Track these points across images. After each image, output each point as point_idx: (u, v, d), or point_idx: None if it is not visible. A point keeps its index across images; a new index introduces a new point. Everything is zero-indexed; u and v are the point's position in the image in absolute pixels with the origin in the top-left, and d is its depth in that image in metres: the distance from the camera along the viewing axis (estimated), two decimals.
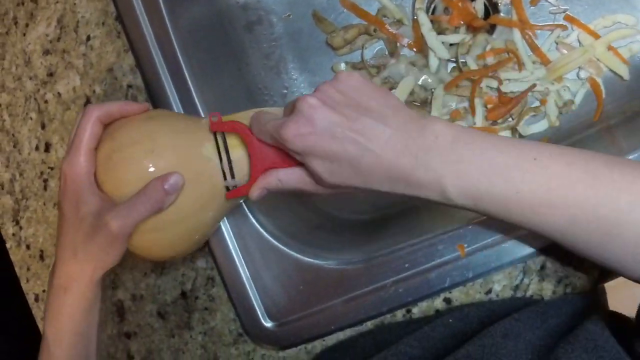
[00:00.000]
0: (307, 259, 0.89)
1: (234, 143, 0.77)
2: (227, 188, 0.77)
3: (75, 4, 0.99)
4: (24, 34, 1.02)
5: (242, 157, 0.77)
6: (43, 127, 1.00)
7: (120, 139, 0.74)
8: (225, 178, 0.77)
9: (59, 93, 0.99)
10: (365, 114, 0.67)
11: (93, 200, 0.72)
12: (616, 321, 0.72)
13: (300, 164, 0.72)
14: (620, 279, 0.70)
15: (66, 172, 0.72)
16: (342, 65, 1.09)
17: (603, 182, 0.62)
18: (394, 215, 1.03)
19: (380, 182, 0.68)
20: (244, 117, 0.77)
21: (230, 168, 0.77)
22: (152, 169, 0.72)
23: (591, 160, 0.64)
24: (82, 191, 0.72)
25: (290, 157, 0.72)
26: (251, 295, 0.90)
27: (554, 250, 0.81)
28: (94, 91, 0.98)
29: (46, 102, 1.00)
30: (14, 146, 1.02)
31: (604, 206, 0.62)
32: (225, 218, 0.89)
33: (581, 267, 0.81)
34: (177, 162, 0.74)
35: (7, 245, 1.03)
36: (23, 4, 1.03)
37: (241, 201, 0.85)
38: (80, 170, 0.72)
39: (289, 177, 0.74)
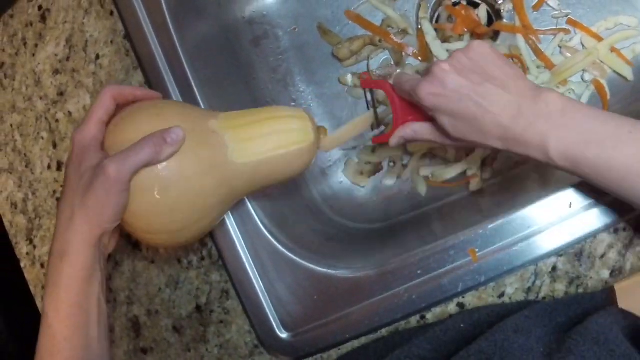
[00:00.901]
0: (320, 269, 0.90)
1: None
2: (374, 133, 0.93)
3: (83, 23, 1.00)
4: (34, 55, 1.04)
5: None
6: (55, 146, 1.01)
7: (130, 110, 0.77)
8: (374, 125, 0.91)
9: (69, 112, 1.00)
10: (489, 80, 0.75)
11: (95, 157, 0.72)
12: (626, 319, 0.73)
13: (431, 119, 0.82)
14: (632, 280, 0.72)
15: (74, 138, 0.75)
16: (349, 77, 1.10)
17: None
18: (405, 223, 1.04)
19: (495, 139, 0.76)
20: (256, 120, 0.81)
21: (376, 117, 0.90)
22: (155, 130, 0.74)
23: None
24: (87, 152, 0.73)
25: (423, 113, 0.83)
26: (266, 306, 0.90)
27: (565, 251, 0.82)
28: None
29: (57, 121, 1.01)
30: (26, 166, 1.03)
31: None
32: (238, 231, 0.90)
33: (592, 268, 0.82)
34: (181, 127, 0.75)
35: (22, 265, 1.04)
36: (32, 24, 1.04)
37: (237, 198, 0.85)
38: (88, 135, 0.75)
39: (422, 129, 0.84)
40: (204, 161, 0.76)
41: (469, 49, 0.77)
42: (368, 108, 0.91)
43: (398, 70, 0.88)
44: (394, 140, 0.86)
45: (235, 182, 0.79)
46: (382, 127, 0.94)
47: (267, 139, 0.79)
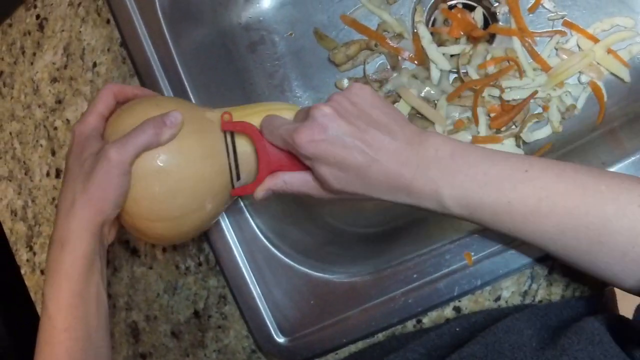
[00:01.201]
0: (316, 273, 0.90)
1: (240, 143, 0.81)
2: (232, 185, 0.81)
3: (80, 31, 1.01)
4: (32, 63, 1.05)
5: (250, 154, 0.81)
6: (53, 153, 1.02)
7: (129, 103, 0.79)
8: (232, 177, 0.81)
9: (67, 120, 1.01)
10: (374, 127, 0.71)
11: (96, 145, 0.73)
12: (624, 326, 0.72)
13: (306, 169, 0.76)
14: None
15: (75, 130, 0.76)
16: (345, 81, 1.10)
17: (590, 192, 0.65)
18: (402, 227, 1.04)
19: (383, 190, 0.72)
20: (253, 112, 0.81)
21: (237, 167, 0.81)
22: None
23: (580, 173, 0.67)
24: (87, 141, 0.74)
25: (296, 161, 0.77)
26: (263, 311, 0.90)
27: None
28: None
29: (55, 129, 1.02)
30: (25, 173, 1.04)
31: (592, 215, 0.65)
32: (235, 237, 0.90)
33: None
34: (183, 127, 0.76)
35: (22, 271, 1.05)
36: (30, 33, 1.05)
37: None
38: (88, 127, 0.75)
39: (295, 180, 0.77)
40: (203, 147, 0.77)
41: (351, 92, 0.74)
42: (228, 156, 0.81)
43: (261, 106, 0.82)
44: (260, 193, 0.79)
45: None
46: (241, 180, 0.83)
47: None
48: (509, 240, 0.82)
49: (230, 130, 0.80)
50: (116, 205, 0.72)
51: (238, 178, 0.81)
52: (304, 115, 0.75)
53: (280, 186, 0.78)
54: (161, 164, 0.73)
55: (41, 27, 1.04)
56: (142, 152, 0.72)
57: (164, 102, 0.78)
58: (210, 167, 0.77)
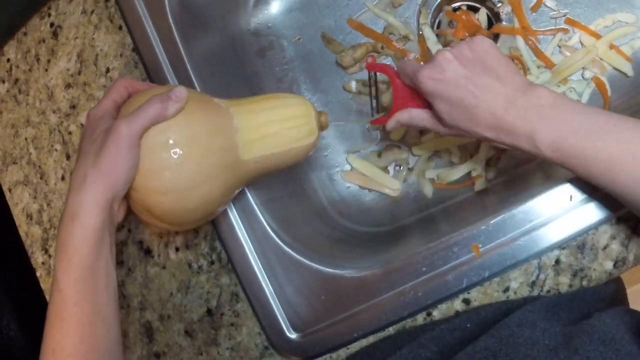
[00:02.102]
0: (327, 269, 0.91)
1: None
2: (372, 116, 1.00)
3: (93, 38, 1.03)
4: (46, 70, 1.07)
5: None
6: (68, 157, 1.04)
7: (141, 92, 0.81)
8: (371, 110, 0.99)
9: (81, 124, 1.03)
10: (487, 72, 0.80)
11: (107, 123, 0.75)
12: (634, 318, 0.73)
13: (429, 107, 0.86)
14: None
15: (89, 115, 0.79)
16: (353, 84, 1.12)
17: None
18: (412, 225, 1.05)
19: (486, 128, 0.80)
20: (261, 102, 0.86)
21: (377, 101, 0.98)
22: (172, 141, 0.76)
23: None
24: (100, 121, 0.76)
25: (422, 101, 0.88)
26: (275, 308, 0.91)
27: (568, 244, 0.83)
28: None
29: (70, 133, 1.04)
30: (41, 177, 1.06)
31: None
32: (246, 234, 0.92)
33: (595, 259, 0.82)
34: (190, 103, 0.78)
35: (37, 274, 1.06)
36: (44, 41, 1.07)
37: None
38: (101, 109, 0.78)
39: (419, 115, 0.89)
40: (210, 122, 0.79)
41: (473, 42, 0.81)
42: (370, 92, 0.96)
43: (405, 58, 0.91)
44: (391, 124, 0.92)
45: (240, 151, 0.81)
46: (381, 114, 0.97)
47: (270, 112, 0.84)
48: (516, 231, 0.83)
49: (373, 71, 0.96)
50: (126, 181, 0.73)
51: (377, 111, 0.98)
52: (432, 57, 0.84)
53: (407, 119, 0.90)
54: (169, 136, 0.75)
55: (55, 35, 1.06)
56: (150, 126, 0.74)
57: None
58: (216, 143, 0.78)
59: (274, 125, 0.83)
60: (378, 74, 1.03)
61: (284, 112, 0.84)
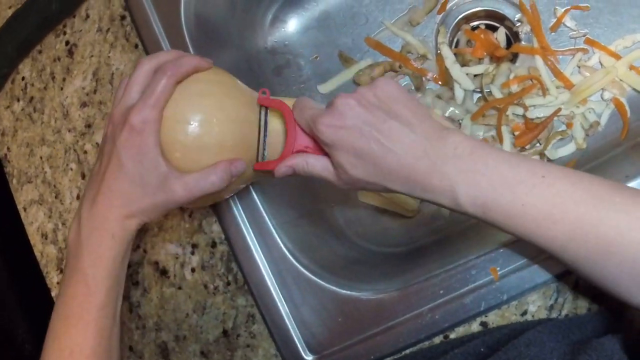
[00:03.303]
0: (343, 291, 0.90)
1: (273, 122, 0.84)
2: (257, 159, 0.84)
3: (109, 56, 1.03)
4: (62, 88, 1.07)
5: (278, 135, 0.84)
6: (83, 177, 1.04)
7: (190, 110, 0.77)
8: (258, 153, 0.84)
9: (97, 143, 1.03)
10: (394, 118, 0.72)
11: (161, 164, 0.74)
12: None
13: (328, 156, 0.78)
14: None
15: (135, 125, 0.73)
16: None
17: (604, 203, 0.65)
18: (427, 246, 1.04)
19: (397, 182, 0.73)
20: (289, 102, 0.83)
21: (264, 143, 0.84)
22: (209, 146, 0.77)
23: (595, 183, 0.67)
24: (149, 151, 0.74)
25: (320, 147, 0.79)
26: (291, 330, 0.90)
27: None
28: None
29: (85, 152, 1.04)
30: (56, 197, 1.06)
31: (603, 225, 0.65)
32: (262, 256, 0.91)
33: None
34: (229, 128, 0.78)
35: (53, 294, 1.06)
36: (59, 59, 1.07)
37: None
38: (150, 128, 0.74)
39: (317, 163, 0.79)
40: (239, 111, 0.80)
41: (375, 86, 0.75)
42: (259, 132, 0.83)
43: (301, 97, 0.83)
44: (281, 169, 0.81)
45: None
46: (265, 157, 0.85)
47: None
48: (535, 254, 0.82)
49: (265, 106, 0.84)
50: (157, 219, 0.82)
51: (264, 154, 0.84)
52: (330, 102, 0.77)
53: (302, 166, 0.79)
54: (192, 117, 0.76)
55: (70, 53, 1.06)
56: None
57: (220, 104, 0.79)
58: (239, 130, 0.80)
59: None
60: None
61: None
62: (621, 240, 0.64)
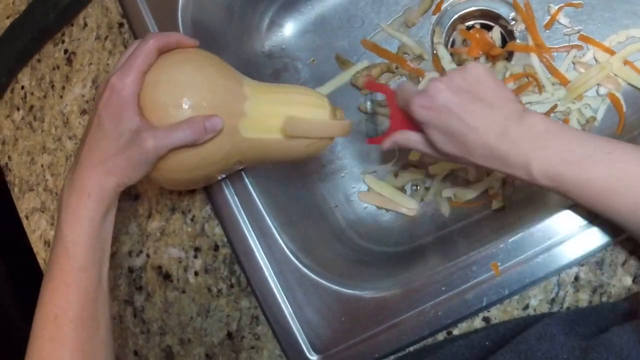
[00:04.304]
0: (346, 290, 0.91)
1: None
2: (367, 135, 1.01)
3: (108, 64, 1.03)
4: (61, 96, 1.07)
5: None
6: None
7: (170, 65, 0.81)
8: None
9: None
10: (479, 101, 0.80)
11: (135, 119, 0.76)
12: None
13: (423, 132, 0.86)
14: None
15: (115, 85, 0.77)
16: (368, 104, 1.12)
17: None
18: (430, 244, 1.05)
19: (480, 157, 0.80)
20: (279, 94, 0.87)
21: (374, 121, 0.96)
22: (187, 104, 0.78)
23: None
24: (126, 108, 0.76)
25: (417, 124, 0.87)
26: (295, 330, 0.91)
27: (587, 260, 0.83)
28: None
29: None
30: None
31: None
32: (265, 257, 0.92)
33: (614, 275, 0.82)
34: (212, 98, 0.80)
35: None
36: (58, 68, 1.08)
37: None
38: (129, 89, 0.77)
39: (415, 138, 0.88)
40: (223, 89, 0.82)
41: (465, 69, 0.82)
42: (367, 110, 0.95)
43: (402, 79, 0.91)
44: (387, 144, 0.92)
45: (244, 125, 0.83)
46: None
47: (284, 96, 0.86)
48: (535, 249, 0.83)
49: (371, 90, 0.95)
50: (139, 179, 0.79)
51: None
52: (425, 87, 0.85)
53: (403, 141, 0.90)
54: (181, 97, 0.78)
55: (69, 62, 1.07)
56: (176, 147, 0.77)
57: (202, 70, 0.81)
58: (220, 95, 0.81)
59: (286, 108, 0.84)
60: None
61: (299, 98, 0.86)
62: None
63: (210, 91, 0.80)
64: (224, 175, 0.92)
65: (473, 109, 0.79)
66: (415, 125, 0.87)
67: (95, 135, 0.77)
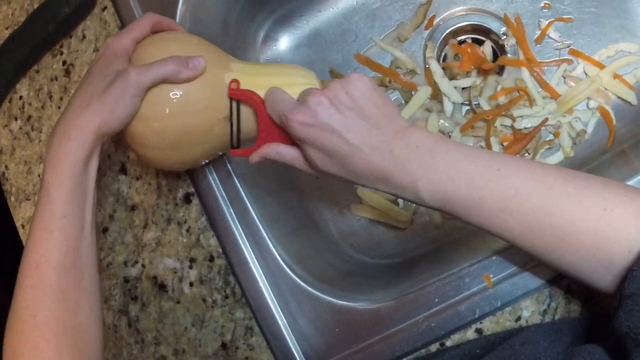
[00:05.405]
0: (340, 301, 0.91)
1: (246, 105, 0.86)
2: (232, 146, 0.88)
3: None
4: (59, 107, 1.08)
5: (252, 119, 0.86)
6: None
7: (161, 35, 0.86)
8: (232, 139, 0.87)
9: None
10: (364, 119, 0.75)
11: (122, 64, 0.79)
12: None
13: (298, 146, 0.81)
14: None
15: (109, 44, 0.82)
16: None
17: (557, 193, 0.68)
18: (421, 256, 1.05)
19: (364, 178, 0.77)
20: (267, 72, 0.87)
21: (239, 130, 0.86)
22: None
23: (551, 175, 0.69)
24: (115, 58, 0.79)
25: (291, 137, 0.80)
26: (289, 341, 0.91)
27: None
28: (128, 157, 1.03)
29: None
30: None
31: (556, 216, 0.67)
32: (260, 268, 0.93)
33: None
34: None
35: None
36: (57, 79, 1.09)
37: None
38: (120, 45, 0.82)
39: (287, 153, 0.82)
40: (211, 99, 0.83)
41: (349, 82, 0.77)
42: (231, 121, 0.85)
43: (272, 88, 0.85)
44: (254, 158, 0.84)
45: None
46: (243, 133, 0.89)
47: (271, 78, 0.86)
48: (527, 261, 0.84)
49: (236, 99, 0.84)
50: (122, 123, 0.78)
51: (238, 141, 0.87)
52: (304, 98, 0.79)
53: (274, 155, 0.83)
54: (171, 96, 0.80)
55: (67, 73, 1.08)
56: (158, 82, 0.78)
57: (192, 46, 0.84)
58: (211, 117, 0.83)
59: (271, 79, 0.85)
60: None
61: (285, 71, 0.87)
62: (575, 230, 0.67)
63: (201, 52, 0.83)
64: (207, 160, 0.93)
65: (358, 128, 0.75)
66: (287, 137, 0.82)
67: (83, 83, 0.80)
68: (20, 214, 1.11)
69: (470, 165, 0.71)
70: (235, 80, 0.84)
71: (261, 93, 0.83)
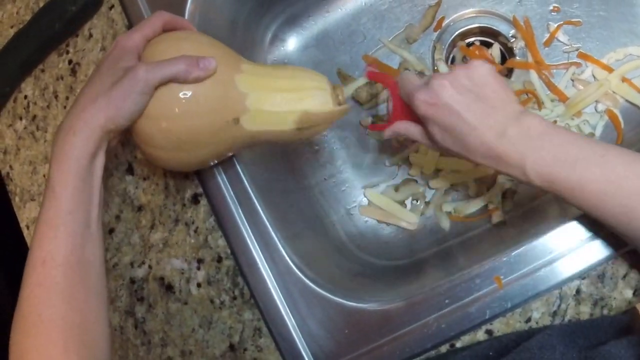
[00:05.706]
0: (350, 302, 0.91)
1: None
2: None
3: None
4: (65, 107, 1.08)
5: None
6: None
7: (173, 34, 0.86)
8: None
9: None
10: (481, 101, 0.81)
11: (131, 60, 0.79)
12: None
13: (423, 124, 0.88)
14: None
15: (119, 41, 0.82)
16: (370, 119, 1.13)
17: None
18: (430, 258, 1.05)
19: (477, 155, 0.82)
20: (279, 76, 0.86)
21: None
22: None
23: None
24: (125, 55, 0.79)
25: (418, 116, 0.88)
26: (298, 342, 0.91)
27: (588, 273, 0.83)
28: (135, 157, 1.03)
29: None
30: None
31: None
32: (268, 269, 0.92)
33: (615, 288, 0.83)
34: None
35: None
36: (62, 78, 1.08)
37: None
38: (131, 42, 0.82)
39: (415, 130, 0.90)
40: (218, 102, 0.82)
41: (471, 67, 0.83)
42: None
43: (405, 70, 0.92)
44: (388, 132, 0.95)
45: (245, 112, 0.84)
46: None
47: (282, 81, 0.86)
48: (537, 262, 0.84)
49: (373, 80, 0.96)
50: (128, 119, 0.77)
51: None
52: (428, 80, 0.85)
53: (403, 131, 0.92)
54: (181, 96, 0.79)
55: (74, 72, 1.08)
56: (167, 81, 0.78)
57: (204, 46, 0.84)
58: (220, 118, 0.82)
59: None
60: None
61: (296, 83, 0.86)
62: None
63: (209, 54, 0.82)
64: (216, 161, 0.93)
65: (475, 109, 0.81)
66: (415, 117, 0.88)
67: (92, 79, 0.79)
68: (24, 215, 1.11)
69: (575, 149, 0.76)
70: (372, 65, 0.96)
71: (273, 96, 0.83)
